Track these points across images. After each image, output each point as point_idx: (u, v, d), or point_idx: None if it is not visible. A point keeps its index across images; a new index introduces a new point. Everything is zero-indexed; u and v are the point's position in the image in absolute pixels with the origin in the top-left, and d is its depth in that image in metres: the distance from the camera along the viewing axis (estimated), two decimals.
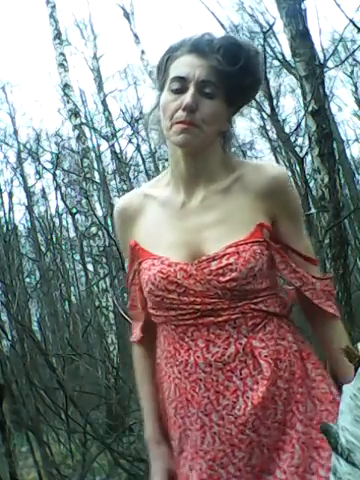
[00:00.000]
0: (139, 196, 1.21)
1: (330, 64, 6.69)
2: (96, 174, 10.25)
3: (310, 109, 4.11)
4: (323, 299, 1.15)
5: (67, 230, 12.46)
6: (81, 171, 6.97)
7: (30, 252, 11.50)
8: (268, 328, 1.07)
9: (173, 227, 1.12)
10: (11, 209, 10.02)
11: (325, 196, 4.16)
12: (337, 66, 7.05)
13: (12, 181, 11.09)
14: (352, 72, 12.67)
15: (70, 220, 11.52)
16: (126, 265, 1.25)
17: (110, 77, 13.45)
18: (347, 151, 12.33)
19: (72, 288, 10.30)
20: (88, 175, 6.55)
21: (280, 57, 9.49)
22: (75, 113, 6.70)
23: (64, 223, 12.28)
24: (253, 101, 1.33)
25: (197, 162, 1.11)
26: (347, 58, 8.56)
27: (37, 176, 11.98)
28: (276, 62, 10.05)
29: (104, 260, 7.33)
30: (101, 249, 7.17)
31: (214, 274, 1.04)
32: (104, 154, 12.77)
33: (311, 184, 4.82)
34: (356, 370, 0.70)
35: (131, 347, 1.32)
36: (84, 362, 5.13)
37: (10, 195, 10.44)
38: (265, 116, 9.28)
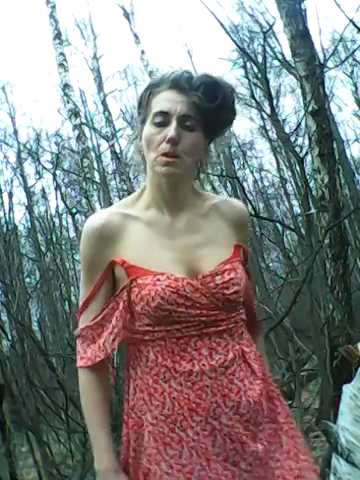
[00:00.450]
0: (116, 215, 1.23)
1: (330, 64, 6.70)
2: (96, 174, 10.25)
3: (310, 109, 4.12)
4: (259, 315, 1.39)
5: (67, 230, 12.47)
6: (81, 171, 6.96)
7: (30, 252, 11.50)
8: (246, 335, 1.23)
9: (164, 245, 1.20)
10: (11, 209, 10.04)
11: (325, 196, 4.17)
12: (337, 66, 7.06)
13: (12, 181, 11.13)
14: (352, 72, 12.68)
15: (70, 220, 11.53)
16: (83, 282, 1.24)
17: (110, 77, 13.47)
18: (347, 151, 12.34)
19: (72, 288, 10.30)
20: (88, 175, 6.54)
21: (280, 57, 9.49)
22: (75, 113, 6.69)
23: (64, 223, 12.31)
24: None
25: (178, 188, 1.23)
26: (347, 58, 8.57)
27: (37, 176, 12.01)
28: (276, 62, 10.06)
29: None
30: None
31: (219, 288, 1.16)
32: (104, 154, 12.80)
33: (311, 184, 4.82)
34: (356, 370, 0.70)
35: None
36: None
37: (10, 195, 10.46)
38: (265, 116, 9.29)
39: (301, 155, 4.19)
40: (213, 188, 9.99)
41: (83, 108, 12.75)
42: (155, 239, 1.21)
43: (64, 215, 11.54)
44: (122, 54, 28.31)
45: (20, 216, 12.28)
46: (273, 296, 6.50)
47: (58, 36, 6.83)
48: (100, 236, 1.20)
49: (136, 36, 10.00)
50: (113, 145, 10.70)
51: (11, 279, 6.14)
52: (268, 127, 11.06)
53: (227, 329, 1.17)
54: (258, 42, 9.91)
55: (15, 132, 12.62)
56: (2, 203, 10.34)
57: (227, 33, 4.89)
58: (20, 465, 5.11)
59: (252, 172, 13.52)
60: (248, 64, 9.65)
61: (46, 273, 9.07)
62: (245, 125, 13.27)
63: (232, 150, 12.24)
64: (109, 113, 11.23)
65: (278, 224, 8.28)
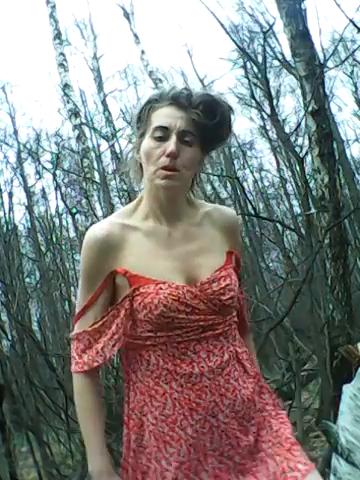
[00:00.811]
0: (117, 225, 1.27)
1: (330, 64, 6.71)
2: (96, 174, 10.25)
3: (310, 109, 4.12)
4: (248, 320, 1.47)
5: (67, 230, 12.46)
6: (81, 171, 6.96)
7: (30, 252, 11.50)
8: (238, 336, 1.31)
9: (163, 255, 1.26)
10: (11, 209, 10.03)
11: (325, 196, 4.17)
12: (337, 66, 7.07)
13: (12, 181, 11.11)
14: (352, 72, 12.68)
15: (70, 220, 11.53)
16: (81, 289, 1.27)
17: (110, 77, 13.49)
18: (347, 151, 12.33)
19: (72, 288, 10.29)
20: (88, 175, 6.54)
21: (280, 57, 9.49)
22: (75, 113, 6.69)
23: (64, 223, 12.29)
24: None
25: (175, 200, 1.29)
26: (347, 58, 8.58)
27: (37, 176, 12.00)
28: (276, 62, 10.06)
29: None
30: None
31: (216, 294, 1.23)
32: (104, 154, 12.81)
33: (311, 184, 4.83)
34: (356, 370, 0.70)
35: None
36: None
37: (10, 195, 10.45)
38: (265, 116, 9.29)
39: (301, 155, 4.19)
40: (213, 188, 10.00)
41: (83, 108, 12.77)
42: (155, 249, 1.26)
43: (64, 215, 11.52)
44: (122, 54, 28.31)
45: (20, 216, 12.28)
46: (273, 296, 6.51)
47: (58, 36, 6.83)
48: (102, 246, 1.25)
49: (136, 36, 10.00)
50: (113, 145, 10.71)
51: (11, 279, 6.14)
52: (268, 127, 11.06)
53: (223, 332, 1.24)
54: (258, 42, 9.92)
55: (15, 132, 12.62)
56: (2, 203, 10.33)
57: (227, 33, 4.89)
58: (20, 465, 5.12)
59: (252, 172, 13.51)
60: (248, 64, 9.66)
61: (46, 273, 9.08)
62: (245, 125, 13.30)
63: (232, 150, 12.23)
64: (109, 113, 11.24)
65: (278, 224, 8.28)
